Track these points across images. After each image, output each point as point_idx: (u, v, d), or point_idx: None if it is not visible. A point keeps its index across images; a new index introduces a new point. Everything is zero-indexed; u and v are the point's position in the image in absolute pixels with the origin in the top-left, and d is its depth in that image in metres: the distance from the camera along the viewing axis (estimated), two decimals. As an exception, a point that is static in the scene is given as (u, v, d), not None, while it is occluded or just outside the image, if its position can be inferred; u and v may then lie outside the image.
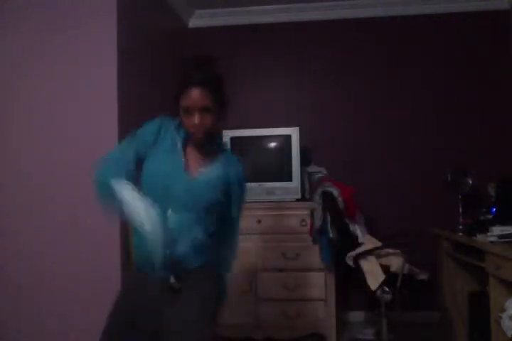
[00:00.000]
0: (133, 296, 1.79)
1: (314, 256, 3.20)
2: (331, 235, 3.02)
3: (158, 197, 1.70)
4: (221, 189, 1.80)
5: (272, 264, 3.31)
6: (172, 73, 3.85)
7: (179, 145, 1.81)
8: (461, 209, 3.18)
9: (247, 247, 3.32)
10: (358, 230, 3.10)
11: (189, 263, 1.76)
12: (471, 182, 3.20)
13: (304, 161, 3.59)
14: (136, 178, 1.75)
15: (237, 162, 1.91)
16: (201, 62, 1.82)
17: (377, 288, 2.84)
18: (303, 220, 3.29)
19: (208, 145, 1.82)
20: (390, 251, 2.96)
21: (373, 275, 2.87)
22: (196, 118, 1.71)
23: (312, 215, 3.11)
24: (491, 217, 2.95)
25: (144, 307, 1.72)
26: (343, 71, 4.08)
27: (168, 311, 1.67)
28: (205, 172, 1.79)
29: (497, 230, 2.50)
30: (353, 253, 2.95)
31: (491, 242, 2.47)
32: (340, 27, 4.08)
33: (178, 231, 1.73)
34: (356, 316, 3.88)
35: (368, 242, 3.03)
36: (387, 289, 2.86)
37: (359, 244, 3.02)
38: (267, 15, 4.12)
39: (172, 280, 1.72)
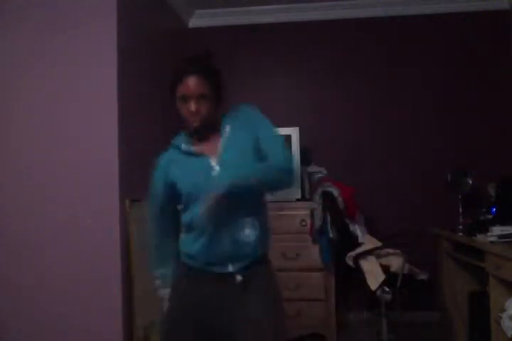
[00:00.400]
0: (189, 296, 1.74)
1: (314, 256, 3.20)
2: (331, 235, 3.02)
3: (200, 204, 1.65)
4: (250, 148, 1.75)
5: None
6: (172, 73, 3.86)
7: (184, 148, 1.78)
8: (461, 209, 3.18)
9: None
10: (358, 230, 3.10)
11: (250, 255, 1.73)
12: (471, 182, 3.20)
13: (304, 161, 3.59)
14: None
15: (242, 109, 1.84)
16: (197, 56, 1.82)
17: (377, 288, 2.85)
18: (303, 220, 3.28)
19: (211, 132, 1.77)
20: (390, 251, 2.97)
21: (373, 275, 2.87)
22: (193, 106, 1.70)
23: (312, 215, 3.11)
24: (491, 217, 2.95)
25: (206, 307, 1.70)
26: (343, 71, 4.08)
27: (239, 311, 1.67)
28: (220, 153, 1.73)
29: (497, 230, 2.50)
30: (353, 253, 2.95)
31: (491, 242, 2.47)
32: (340, 27, 4.08)
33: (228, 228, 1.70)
34: (356, 316, 3.88)
35: (368, 242, 3.04)
36: (387, 289, 2.86)
37: (359, 244, 3.02)
38: (267, 15, 4.12)
39: (238, 277, 1.69)
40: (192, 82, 1.70)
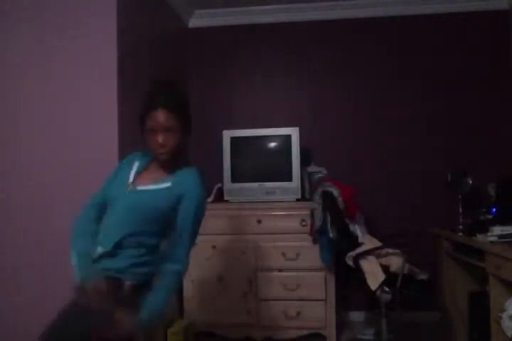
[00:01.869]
0: None
1: (314, 256, 3.20)
2: (331, 235, 3.01)
3: (113, 216, 1.86)
4: (165, 200, 1.82)
5: (272, 264, 3.31)
6: (172, 73, 3.86)
7: (134, 167, 1.91)
8: (461, 209, 3.18)
9: (247, 247, 3.33)
10: (358, 230, 3.10)
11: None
12: (471, 182, 3.20)
13: (304, 161, 3.59)
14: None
15: (195, 176, 1.89)
16: (164, 84, 1.90)
17: (377, 288, 2.84)
18: (303, 220, 3.28)
19: (173, 165, 1.88)
20: (390, 251, 2.96)
21: (373, 275, 2.87)
22: (160, 138, 1.79)
23: (312, 215, 3.11)
24: (491, 217, 2.95)
25: None
26: (343, 71, 4.08)
27: None
28: (150, 186, 1.85)
29: (497, 230, 2.50)
30: (353, 253, 2.95)
31: (491, 242, 2.47)
32: (340, 27, 4.08)
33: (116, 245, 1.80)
34: (356, 316, 3.88)
35: (368, 242, 3.03)
36: (387, 289, 2.86)
37: (359, 244, 3.02)
38: (267, 15, 4.12)
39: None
40: (160, 116, 1.78)
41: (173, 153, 1.83)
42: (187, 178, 1.86)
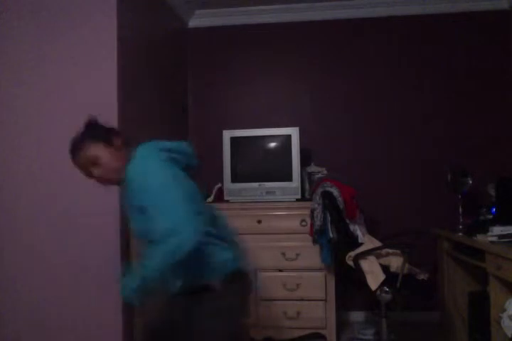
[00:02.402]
0: None
1: (314, 256, 3.20)
2: (331, 235, 3.01)
3: None
4: (132, 203, 1.71)
5: (272, 264, 3.31)
6: (172, 73, 3.86)
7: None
8: (461, 209, 3.18)
9: (247, 247, 3.32)
10: (358, 230, 3.09)
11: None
12: (471, 182, 3.20)
13: (304, 161, 3.59)
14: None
15: (128, 173, 1.67)
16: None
17: (377, 288, 2.84)
18: (303, 220, 3.28)
19: (119, 177, 1.76)
20: (390, 251, 2.96)
21: (373, 275, 2.86)
22: (89, 177, 1.81)
23: (312, 215, 3.10)
24: (491, 217, 2.95)
25: None
26: (343, 71, 4.08)
27: None
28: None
29: (497, 230, 2.49)
30: (353, 253, 2.95)
31: (491, 242, 2.47)
32: (340, 27, 4.08)
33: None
34: (356, 316, 3.89)
35: (368, 242, 3.03)
36: (387, 289, 2.85)
37: (359, 244, 3.02)
38: (267, 15, 4.12)
39: None
40: (76, 166, 1.83)
41: (109, 177, 1.77)
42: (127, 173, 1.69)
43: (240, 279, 1.77)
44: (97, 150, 1.75)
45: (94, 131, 1.82)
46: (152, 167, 1.62)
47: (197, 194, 1.73)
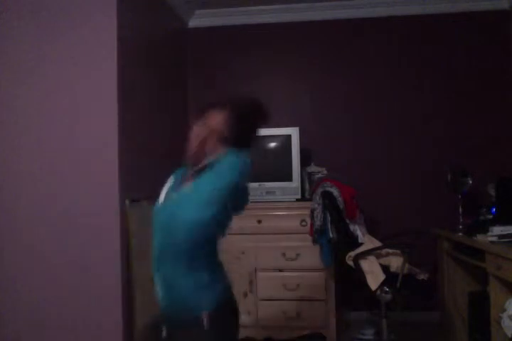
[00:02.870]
0: None
1: (314, 256, 3.21)
2: (331, 235, 3.01)
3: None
4: (209, 196, 1.56)
5: (272, 264, 3.31)
6: (172, 73, 3.86)
7: (171, 178, 1.79)
8: (461, 209, 3.18)
9: (247, 247, 3.33)
10: (358, 230, 3.09)
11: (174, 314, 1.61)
12: (471, 182, 3.20)
13: (304, 161, 3.59)
14: None
15: (231, 156, 1.63)
16: None
17: (377, 288, 2.84)
18: (303, 220, 3.28)
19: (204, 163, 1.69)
20: (390, 251, 2.96)
21: (373, 275, 2.86)
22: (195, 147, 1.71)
23: (312, 215, 3.11)
24: (491, 217, 2.95)
25: None
26: (343, 71, 4.08)
27: None
28: (188, 186, 1.64)
29: (497, 230, 2.50)
30: (353, 253, 2.95)
31: (491, 242, 2.47)
32: (340, 27, 4.08)
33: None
34: (356, 316, 3.88)
35: (368, 242, 3.03)
36: (387, 289, 2.85)
37: (359, 244, 3.02)
38: (267, 15, 4.12)
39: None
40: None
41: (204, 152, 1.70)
42: (222, 162, 1.63)
43: (231, 311, 1.71)
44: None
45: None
46: (242, 168, 1.63)
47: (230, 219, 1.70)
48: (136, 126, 2.99)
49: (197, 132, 1.69)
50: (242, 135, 1.73)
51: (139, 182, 2.91)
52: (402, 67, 4.02)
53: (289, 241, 3.32)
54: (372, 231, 3.27)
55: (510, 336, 2.17)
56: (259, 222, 3.34)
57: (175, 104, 3.93)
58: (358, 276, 2.92)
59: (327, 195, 3.05)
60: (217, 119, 1.69)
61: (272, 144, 3.60)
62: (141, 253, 2.70)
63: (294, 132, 3.47)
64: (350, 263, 2.94)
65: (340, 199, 3.03)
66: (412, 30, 4.02)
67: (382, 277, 2.84)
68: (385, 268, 2.90)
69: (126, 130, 2.80)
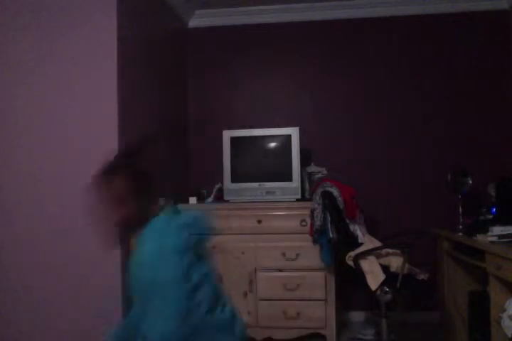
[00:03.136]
0: None
1: (314, 256, 3.20)
2: (331, 235, 3.01)
3: None
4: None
5: (272, 264, 3.31)
6: (172, 73, 3.86)
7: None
8: (461, 209, 3.18)
9: (247, 247, 3.33)
10: (358, 230, 3.09)
11: None
12: (471, 182, 3.20)
13: (304, 161, 3.59)
14: None
15: (152, 232, 1.55)
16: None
17: (377, 288, 2.84)
18: (303, 220, 3.28)
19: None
20: (390, 251, 2.96)
21: (373, 275, 2.86)
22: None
23: (312, 215, 3.10)
24: (491, 217, 2.95)
25: None
26: (343, 71, 4.08)
27: None
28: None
29: (497, 230, 2.49)
30: (353, 253, 2.95)
31: (491, 242, 2.47)
32: (339, 27, 4.08)
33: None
34: (356, 316, 3.88)
35: (368, 242, 3.03)
36: (387, 289, 2.85)
37: (359, 244, 3.02)
38: (267, 15, 4.12)
39: None
40: None
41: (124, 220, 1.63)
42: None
43: None
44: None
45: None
46: (168, 250, 1.52)
47: (211, 275, 1.64)
48: (137, 126, 2.99)
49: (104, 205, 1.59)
50: (146, 187, 1.66)
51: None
52: (402, 67, 4.03)
53: (289, 241, 3.31)
54: (372, 231, 3.27)
55: (510, 336, 2.17)
56: (259, 222, 3.34)
57: (175, 103, 3.93)
58: (358, 276, 2.92)
59: (327, 195, 3.05)
60: (113, 189, 1.59)
61: (272, 144, 3.60)
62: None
63: (294, 132, 3.46)
64: (350, 263, 2.94)
65: (340, 199, 3.02)
66: (412, 30, 4.02)
67: (382, 277, 2.84)
68: (385, 268, 2.90)
69: (126, 130, 2.80)
